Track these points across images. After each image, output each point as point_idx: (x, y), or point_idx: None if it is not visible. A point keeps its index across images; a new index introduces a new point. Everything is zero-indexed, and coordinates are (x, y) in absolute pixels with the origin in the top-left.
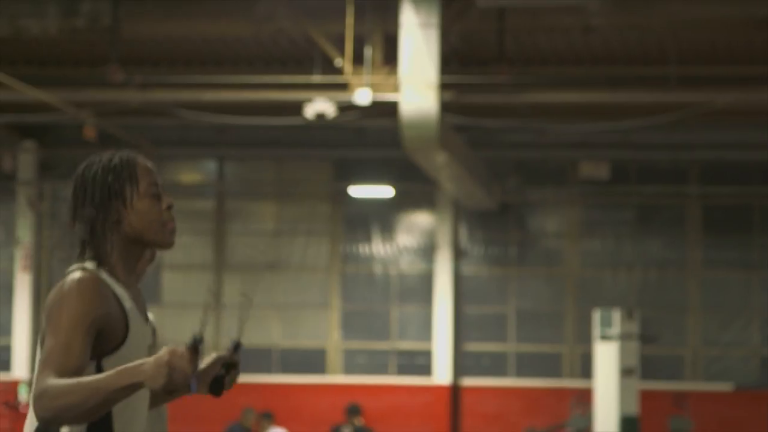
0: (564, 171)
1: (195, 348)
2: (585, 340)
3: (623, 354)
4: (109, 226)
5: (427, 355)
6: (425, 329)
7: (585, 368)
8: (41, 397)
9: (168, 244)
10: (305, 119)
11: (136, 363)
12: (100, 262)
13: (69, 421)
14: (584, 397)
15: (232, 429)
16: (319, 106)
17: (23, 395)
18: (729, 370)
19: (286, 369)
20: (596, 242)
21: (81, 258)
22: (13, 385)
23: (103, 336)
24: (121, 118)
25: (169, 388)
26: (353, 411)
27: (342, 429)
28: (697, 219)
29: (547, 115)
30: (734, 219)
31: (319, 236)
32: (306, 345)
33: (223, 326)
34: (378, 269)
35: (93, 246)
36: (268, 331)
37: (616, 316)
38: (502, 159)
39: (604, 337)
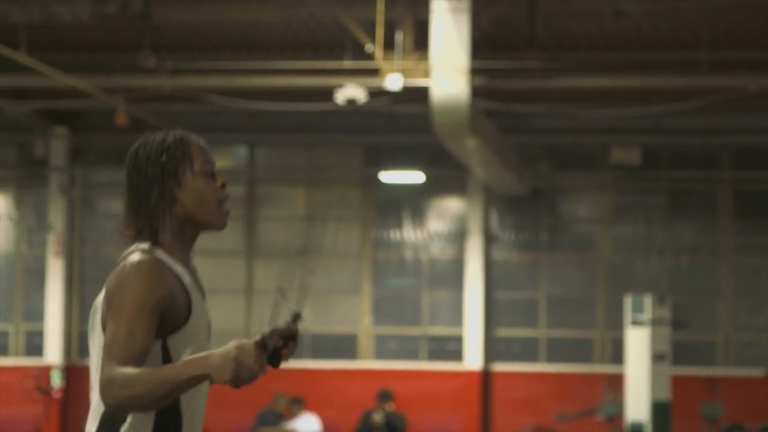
0: (595, 156)
1: (263, 345)
2: (616, 326)
3: (655, 339)
4: (164, 207)
5: (458, 340)
6: (456, 315)
7: (616, 354)
8: (109, 386)
9: (222, 225)
10: (336, 105)
11: (203, 355)
12: (157, 243)
13: (136, 410)
14: (615, 383)
15: (264, 414)
16: (350, 92)
17: (56, 380)
18: (761, 356)
19: (317, 354)
20: (627, 227)
21: (137, 240)
22: (46, 371)
23: (166, 315)
24: (153, 103)
25: (235, 384)
26: (384, 396)
27: (373, 414)
28: (728, 204)
29: (579, 100)
30: (766, 204)
31: (350, 222)
32: (337, 330)
33: (253, 313)
34: (409, 255)
35: (149, 227)
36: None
37: (648, 301)
38: (533, 144)
39: (636, 323)
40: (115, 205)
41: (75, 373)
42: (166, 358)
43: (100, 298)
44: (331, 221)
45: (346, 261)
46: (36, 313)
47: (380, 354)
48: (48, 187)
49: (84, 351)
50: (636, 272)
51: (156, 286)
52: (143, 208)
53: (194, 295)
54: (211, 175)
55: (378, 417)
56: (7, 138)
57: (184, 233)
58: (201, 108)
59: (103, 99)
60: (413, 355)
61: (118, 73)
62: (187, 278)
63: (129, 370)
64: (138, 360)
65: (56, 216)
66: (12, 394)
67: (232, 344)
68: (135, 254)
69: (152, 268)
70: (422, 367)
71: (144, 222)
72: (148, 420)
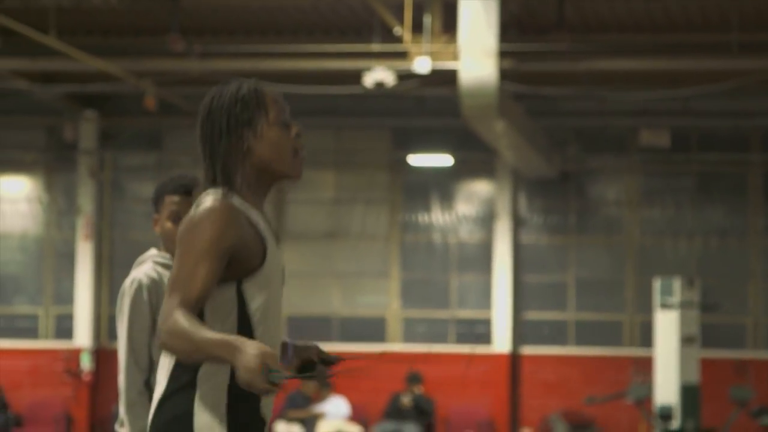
0: (624, 139)
1: (293, 365)
2: (645, 309)
3: (684, 322)
4: (239, 156)
5: (486, 323)
6: (485, 298)
7: (645, 337)
8: (162, 327)
9: (297, 174)
10: (364, 88)
11: (240, 343)
12: (231, 190)
13: (175, 355)
14: (644, 366)
15: (293, 397)
16: (379, 75)
17: (85, 363)
18: None
19: (346, 337)
20: (656, 210)
21: (212, 186)
22: (76, 353)
23: (239, 260)
24: (182, 87)
25: (250, 387)
26: (413, 379)
27: (402, 397)
28: (758, 186)
29: (607, 82)
30: None
31: (378, 205)
32: (365, 313)
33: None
34: (437, 238)
35: (224, 175)
36: (327, 300)
37: (677, 284)
38: (562, 127)
39: (665, 306)
40: (145, 189)
41: (104, 356)
42: (241, 302)
43: (127, 282)
44: (359, 204)
45: (374, 244)
46: (65, 297)
47: (409, 337)
48: (77, 170)
49: (113, 334)
50: (665, 255)
51: (227, 230)
52: (218, 157)
53: (269, 241)
54: (286, 124)
55: (406, 400)
56: (37, 122)
57: (259, 183)
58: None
59: (132, 83)
60: (441, 338)
61: (147, 56)
62: (262, 224)
63: (179, 322)
64: (196, 302)
65: (85, 199)
66: (42, 377)
67: (259, 351)
68: (208, 199)
69: (224, 212)
70: (450, 350)
71: (219, 170)
72: (222, 370)
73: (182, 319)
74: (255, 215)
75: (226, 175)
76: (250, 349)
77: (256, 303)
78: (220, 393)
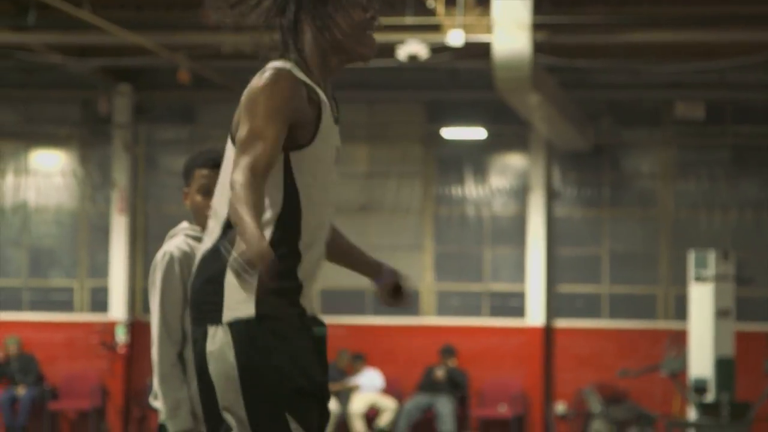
0: (659, 111)
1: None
2: (680, 282)
3: (718, 295)
4: (314, 29)
5: (520, 296)
6: (518, 271)
7: (679, 310)
8: (231, 188)
9: (366, 56)
10: (398, 61)
11: (260, 236)
12: (299, 62)
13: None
14: (679, 339)
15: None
16: (412, 48)
17: (120, 336)
18: None
19: (380, 311)
20: (691, 183)
21: (282, 55)
22: (111, 326)
23: (293, 131)
24: (215, 61)
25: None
26: (447, 352)
27: (435, 370)
28: None
29: (642, 55)
30: None
31: (411, 178)
32: None
33: None
34: (471, 211)
35: (295, 46)
36: None
37: (711, 257)
38: (596, 100)
39: (699, 279)
40: (178, 162)
41: (139, 328)
42: (288, 173)
43: (159, 255)
44: (392, 178)
45: (408, 217)
46: (100, 270)
47: (442, 310)
48: (111, 144)
49: (148, 307)
50: (699, 228)
51: (288, 98)
52: (293, 28)
53: (326, 116)
54: (364, 6)
55: (440, 373)
56: (71, 95)
57: (328, 60)
58: (263, 65)
59: (165, 56)
60: (475, 312)
61: (180, 30)
62: (323, 98)
63: (241, 189)
64: (266, 164)
65: (120, 173)
66: (77, 350)
67: (258, 251)
68: (272, 66)
69: (287, 80)
70: (484, 324)
71: (291, 40)
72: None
73: (240, 188)
74: (317, 90)
75: (298, 48)
76: (260, 245)
77: (303, 178)
78: None
